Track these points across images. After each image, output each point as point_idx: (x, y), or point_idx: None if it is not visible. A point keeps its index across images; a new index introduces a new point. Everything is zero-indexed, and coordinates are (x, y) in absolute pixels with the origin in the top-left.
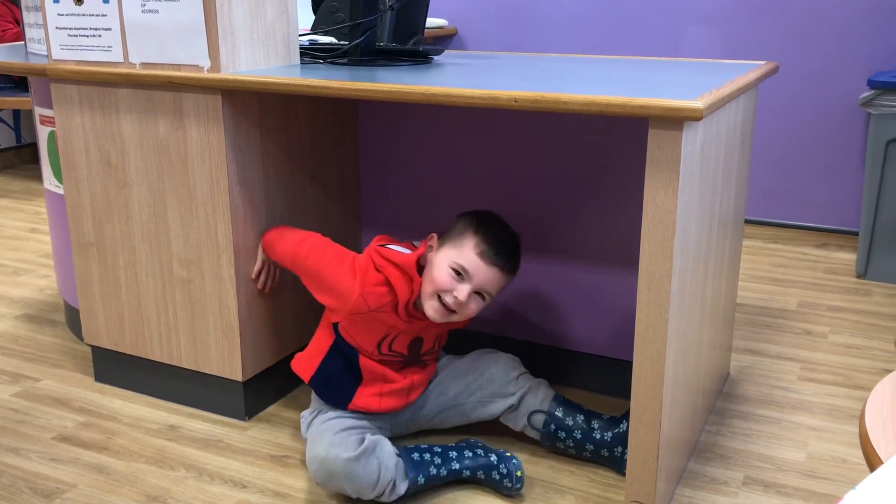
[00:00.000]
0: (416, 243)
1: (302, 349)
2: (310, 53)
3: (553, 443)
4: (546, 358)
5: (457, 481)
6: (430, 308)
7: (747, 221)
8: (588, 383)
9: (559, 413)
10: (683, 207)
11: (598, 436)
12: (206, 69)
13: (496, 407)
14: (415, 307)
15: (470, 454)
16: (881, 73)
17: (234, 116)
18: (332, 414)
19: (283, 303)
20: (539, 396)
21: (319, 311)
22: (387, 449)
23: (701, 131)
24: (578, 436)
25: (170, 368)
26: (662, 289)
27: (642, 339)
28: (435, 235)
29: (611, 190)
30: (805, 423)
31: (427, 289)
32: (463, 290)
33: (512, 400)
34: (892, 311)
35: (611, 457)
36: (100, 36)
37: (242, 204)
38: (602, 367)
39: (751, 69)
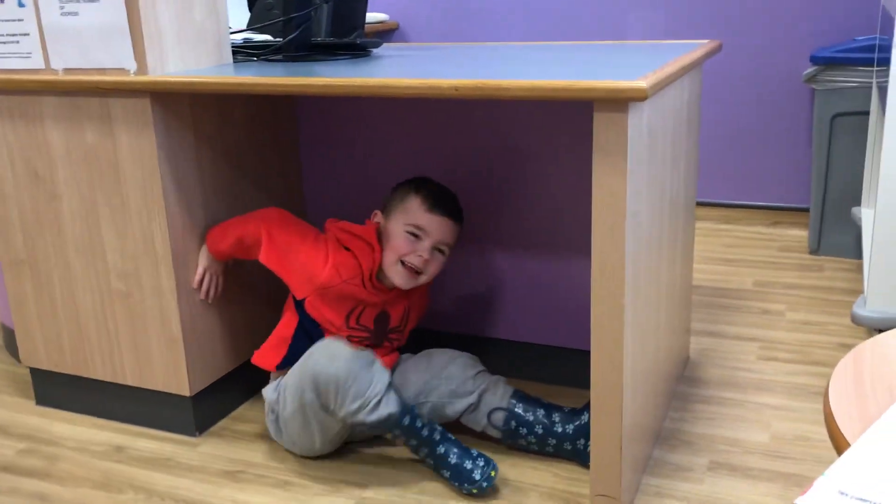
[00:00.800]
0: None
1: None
2: (243, 52)
3: (515, 440)
4: (501, 352)
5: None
6: (397, 275)
7: (698, 203)
8: (545, 375)
9: (519, 409)
10: (633, 191)
11: (559, 429)
12: (132, 72)
13: (456, 407)
14: (378, 279)
15: (454, 440)
16: (823, 48)
17: (166, 120)
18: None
19: (230, 312)
20: (498, 393)
21: (272, 319)
22: (385, 373)
23: (647, 112)
24: (540, 431)
25: (114, 387)
26: (616, 276)
27: (599, 327)
28: (378, 211)
29: (559, 177)
30: (767, 403)
31: (389, 258)
32: (424, 248)
33: (471, 399)
34: (845, 285)
35: (574, 450)
36: (17, 42)
37: (179, 211)
38: (559, 358)
39: (694, 48)
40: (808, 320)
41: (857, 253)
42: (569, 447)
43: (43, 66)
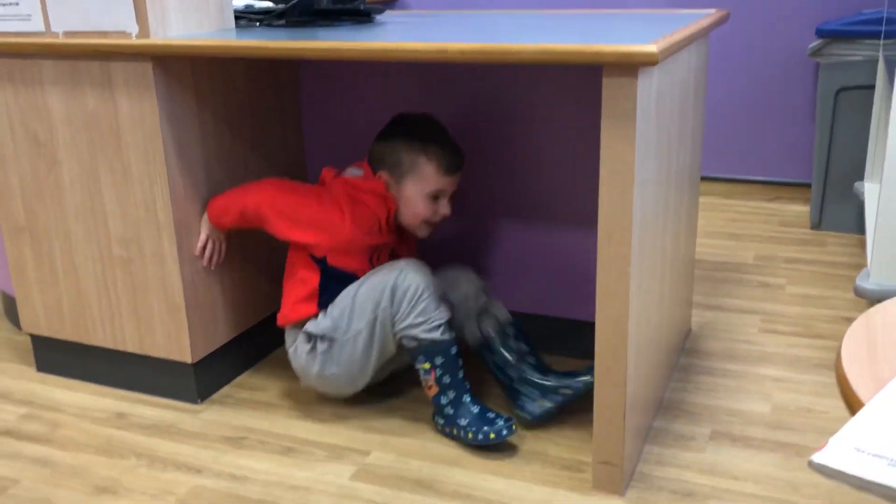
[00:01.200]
0: (354, 171)
1: (256, 325)
2: (245, 17)
3: (483, 353)
4: None
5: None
6: (419, 230)
7: (701, 178)
8: (548, 346)
9: (511, 343)
10: (641, 159)
11: (525, 374)
12: (134, 35)
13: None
14: (386, 223)
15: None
16: (829, 21)
17: (168, 85)
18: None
19: (233, 279)
20: (493, 318)
21: (274, 287)
22: (448, 309)
23: (656, 79)
24: (510, 365)
25: (114, 354)
26: (623, 243)
27: (604, 295)
28: (383, 176)
29: (563, 147)
30: (768, 375)
31: (413, 221)
32: (444, 204)
33: (473, 310)
34: (847, 259)
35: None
36: (17, 4)
37: (181, 176)
38: (562, 330)
39: (702, 17)
40: (809, 294)
41: (859, 228)
42: (517, 387)
43: (43, 29)
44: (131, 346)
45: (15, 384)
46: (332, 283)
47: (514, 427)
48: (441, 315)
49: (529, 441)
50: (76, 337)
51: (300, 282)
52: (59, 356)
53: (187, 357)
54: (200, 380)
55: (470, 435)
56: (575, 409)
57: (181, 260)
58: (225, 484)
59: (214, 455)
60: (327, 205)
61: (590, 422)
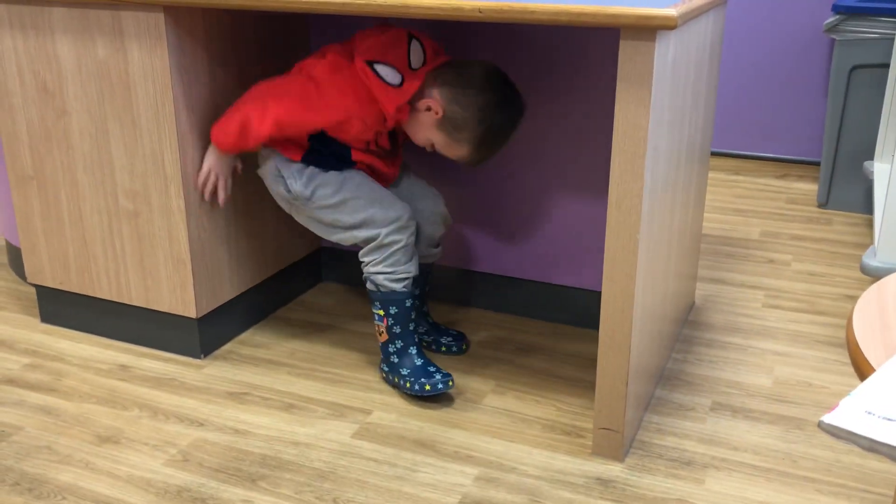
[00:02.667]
0: (413, 54)
1: (261, 283)
2: None
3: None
4: (510, 289)
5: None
6: (419, 144)
7: (710, 154)
8: (553, 315)
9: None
10: (655, 125)
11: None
12: None
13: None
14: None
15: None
16: None
17: (179, 36)
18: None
19: (239, 235)
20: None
21: (279, 244)
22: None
23: (673, 44)
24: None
25: (119, 306)
26: (633, 209)
27: (612, 261)
28: (440, 110)
29: (573, 114)
30: (770, 349)
31: (419, 139)
32: (430, 148)
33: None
34: (853, 238)
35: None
36: None
37: (190, 130)
38: (568, 298)
39: None
40: (814, 271)
41: (867, 208)
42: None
43: None
44: (136, 300)
45: (19, 334)
46: (323, 145)
47: (450, 383)
48: (409, 269)
49: (531, 405)
50: (81, 289)
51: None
52: (63, 307)
53: (192, 312)
54: (204, 335)
55: (408, 384)
56: (577, 376)
57: (188, 214)
58: (227, 437)
59: (217, 409)
60: (333, 101)
61: (592, 388)
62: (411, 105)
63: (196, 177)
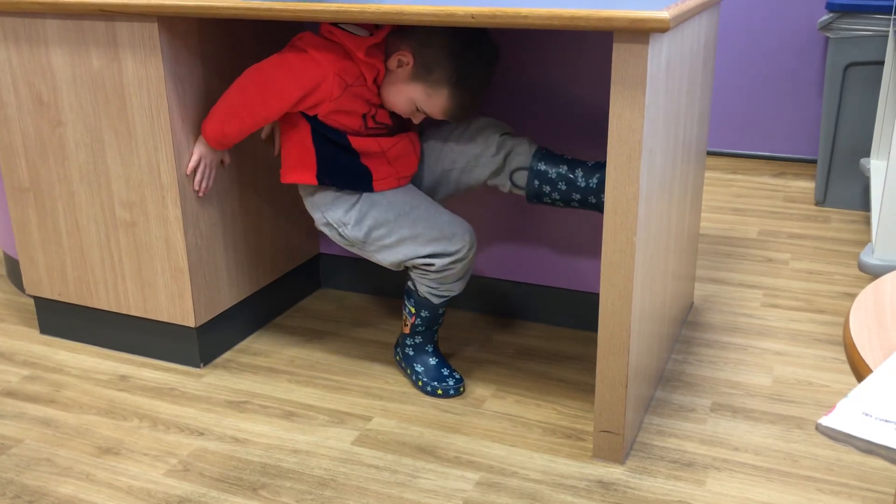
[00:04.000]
0: (357, 30)
1: (259, 291)
2: None
3: (539, 198)
4: (507, 293)
5: None
6: (389, 105)
7: (706, 153)
8: (552, 317)
9: (542, 167)
10: (650, 127)
11: (582, 183)
12: None
13: (481, 172)
14: (374, 82)
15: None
16: None
17: (173, 45)
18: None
19: (236, 243)
20: (521, 153)
21: (278, 250)
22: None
23: (666, 47)
24: (563, 187)
25: (118, 317)
26: (629, 212)
27: (609, 264)
28: (410, 59)
29: (569, 116)
30: (770, 349)
31: (386, 101)
32: (418, 117)
33: (496, 161)
34: (851, 236)
35: (598, 203)
36: None
37: (186, 139)
38: (566, 300)
39: None
40: (813, 269)
41: (864, 205)
42: (594, 200)
43: None
44: (134, 310)
45: (18, 346)
46: (324, 140)
47: (461, 389)
48: (452, 289)
49: (531, 409)
50: (79, 299)
51: (295, 139)
52: (62, 318)
53: (190, 321)
54: (203, 344)
55: (420, 383)
56: (577, 379)
57: (185, 223)
58: (227, 447)
59: (216, 418)
60: (305, 64)
61: (591, 391)
62: (386, 68)
63: (199, 209)
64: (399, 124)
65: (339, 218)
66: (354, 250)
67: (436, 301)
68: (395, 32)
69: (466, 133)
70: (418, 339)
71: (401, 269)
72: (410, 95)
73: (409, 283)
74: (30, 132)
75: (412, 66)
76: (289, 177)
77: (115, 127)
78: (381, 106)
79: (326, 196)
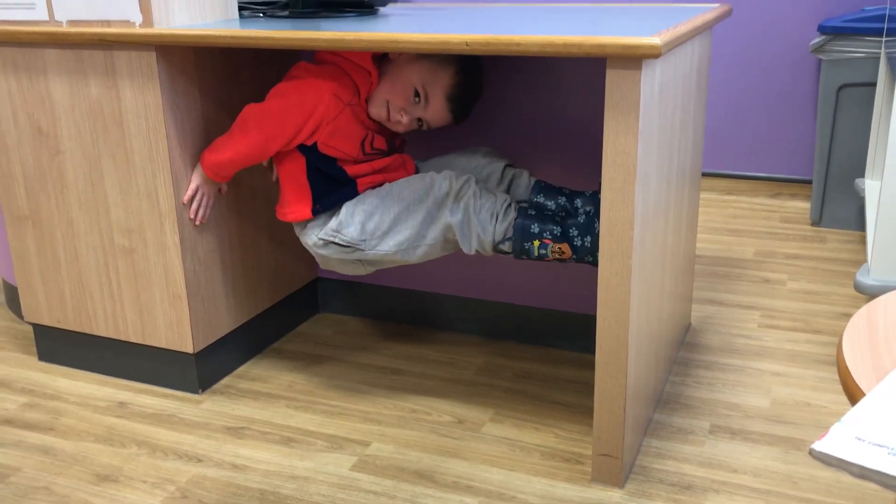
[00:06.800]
0: None
1: (257, 316)
2: (249, 8)
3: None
4: (504, 315)
5: None
6: (375, 107)
7: (702, 174)
8: (549, 339)
9: (540, 199)
10: (644, 151)
11: (581, 216)
12: (137, 24)
13: None
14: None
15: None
16: (831, 18)
17: (171, 74)
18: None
19: (234, 269)
20: (521, 187)
21: (276, 275)
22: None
23: (659, 72)
24: (560, 217)
25: (116, 343)
26: (624, 236)
27: (606, 287)
28: None
29: (564, 140)
30: (768, 370)
31: (382, 92)
32: (409, 116)
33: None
34: (847, 256)
35: (592, 262)
36: None
37: (184, 167)
38: (563, 322)
39: (705, 11)
40: (809, 290)
41: (860, 225)
42: (589, 259)
43: (46, 18)
44: (133, 336)
45: (17, 373)
46: (318, 175)
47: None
48: (501, 202)
49: (530, 432)
50: (78, 326)
51: (290, 174)
52: (60, 345)
53: (189, 347)
54: (201, 370)
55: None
56: (576, 402)
57: (183, 250)
58: (226, 473)
59: (215, 445)
60: (301, 87)
61: (590, 414)
62: (380, 70)
63: (197, 236)
64: (392, 149)
65: (331, 227)
66: (362, 262)
67: (511, 220)
68: None
69: (474, 157)
70: (575, 231)
71: (417, 256)
72: (413, 76)
73: (508, 248)
74: (29, 161)
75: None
76: (285, 215)
77: (113, 155)
78: (378, 132)
79: (316, 220)
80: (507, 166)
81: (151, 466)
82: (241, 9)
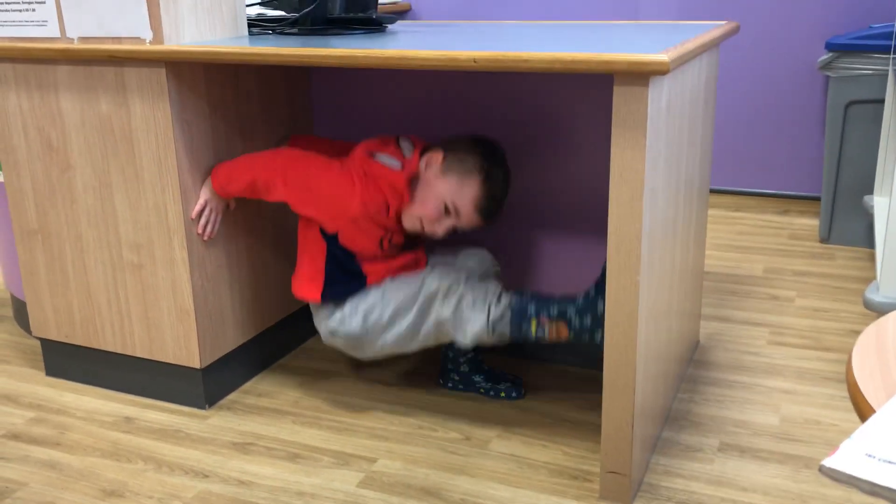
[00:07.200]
0: (403, 146)
1: (264, 332)
2: (259, 25)
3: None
4: None
5: None
6: (409, 222)
7: (710, 191)
8: (556, 355)
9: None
10: (651, 167)
11: (581, 297)
12: (148, 41)
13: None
14: (396, 212)
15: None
16: (839, 35)
17: (180, 90)
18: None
19: (241, 284)
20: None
21: (283, 291)
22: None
23: (666, 88)
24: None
25: (123, 358)
26: (632, 252)
27: (613, 303)
28: (440, 157)
29: (573, 157)
30: (777, 387)
31: (415, 210)
32: (444, 227)
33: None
34: (856, 273)
35: (591, 341)
36: (33, 10)
37: (193, 182)
38: None
39: (712, 28)
40: (818, 307)
41: (869, 242)
42: (587, 339)
43: (58, 35)
44: (140, 351)
45: (24, 388)
46: (335, 266)
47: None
48: (492, 293)
49: (537, 450)
50: (85, 341)
51: (312, 255)
52: (68, 360)
53: (196, 362)
54: (208, 385)
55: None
56: (583, 419)
57: (191, 265)
58: (232, 489)
59: (221, 460)
60: (340, 177)
61: (598, 431)
62: (412, 186)
63: (205, 251)
64: (409, 243)
65: (337, 318)
66: (365, 353)
67: (505, 305)
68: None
69: (471, 257)
70: (584, 315)
71: (414, 347)
72: (441, 191)
73: (506, 330)
74: (39, 176)
75: (442, 160)
76: (298, 291)
77: (122, 170)
78: (397, 231)
79: (325, 306)
80: (496, 269)
81: (158, 482)
82: (250, 25)
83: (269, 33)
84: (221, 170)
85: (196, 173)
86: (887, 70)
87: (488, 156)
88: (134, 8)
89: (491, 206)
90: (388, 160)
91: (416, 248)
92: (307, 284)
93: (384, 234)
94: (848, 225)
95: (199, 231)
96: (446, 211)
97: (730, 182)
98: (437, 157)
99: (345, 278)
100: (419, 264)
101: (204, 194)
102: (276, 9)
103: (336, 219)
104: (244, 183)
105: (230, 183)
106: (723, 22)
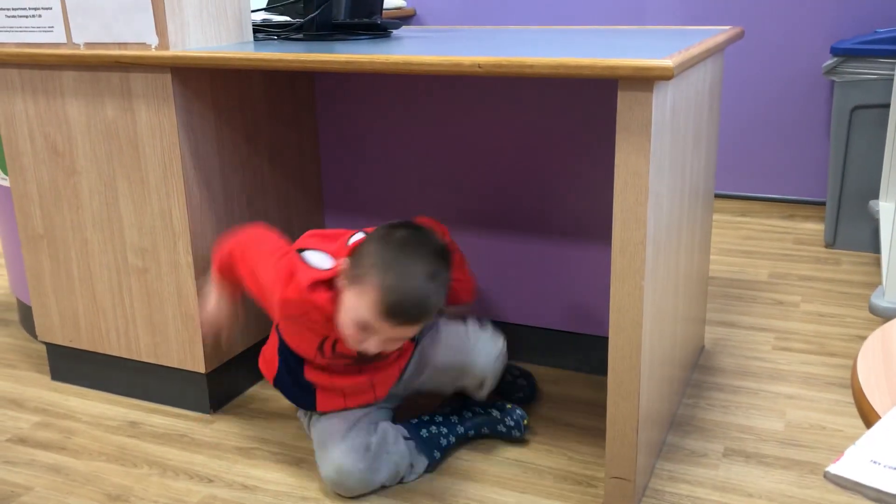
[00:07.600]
0: (319, 258)
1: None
2: (264, 30)
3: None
4: (518, 337)
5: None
6: (350, 342)
7: (715, 196)
8: (562, 361)
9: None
10: (656, 172)
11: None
12: (154, 47)
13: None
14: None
15: (470, 414)
16: (844, 40)
17: (186, 96)
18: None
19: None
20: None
21: None
22: (396, 438)
23: (671, 93)
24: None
25: (129, 363)
26: (637, 257)
27: (618, 309)
28: (347, 260)
29: (577, 163)
30: (782, 393)
31: (339, 325)
32: (372, 344)
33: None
34: (861, 278)
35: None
36: (40, 16)
37: (198, 187)
38: (576, 344)
39: (716, 33)
40: (824, 312)
41: (874, 247)
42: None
43: (64, 41)
44: (145, 356)
45: (30, 392)
46: (282, 361)
47: (525, 423)
48: (401, 464)
49: (542, 455)
50: (91, 346)
51: (270, 341)
52: (73, 365)
53: (201, 367)
54: (213, 390)
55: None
56: (588, 424)
57: (196, 269)
58: (236, 494)
59: (226, 465)
60: (274, 269)
61: (603, 436)
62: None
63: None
64: (366, 359)
65: (301, 416)
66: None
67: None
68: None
69: (467, 358)
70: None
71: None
72: (347, 305)
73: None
74: (44, 181)
75: (349, 271)
76: (260, 363)
77: (128, 175)
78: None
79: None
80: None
81: (162, 487)
82: (255, 31)
83: (275, 39)
84: (216, 252)
85: (201, 178)
86: (893, 75)
87: (393, 247)
88: (140, 14)
89: (398, 307)
90: (318, 258)
91: (376, 369)
92: (265, 364)
93: (322, 340)
94: (853, 230)
95: (205, 329)
96: (364, 330)
97: (735, 187)
98: (344, 260)
99: (294, 390)
100: (376, 389)
101: (212, 287)
102: (281, 14)
103: (270, 312)
104: (223, 259)
105: (216, 262)
106: (727, 27)
